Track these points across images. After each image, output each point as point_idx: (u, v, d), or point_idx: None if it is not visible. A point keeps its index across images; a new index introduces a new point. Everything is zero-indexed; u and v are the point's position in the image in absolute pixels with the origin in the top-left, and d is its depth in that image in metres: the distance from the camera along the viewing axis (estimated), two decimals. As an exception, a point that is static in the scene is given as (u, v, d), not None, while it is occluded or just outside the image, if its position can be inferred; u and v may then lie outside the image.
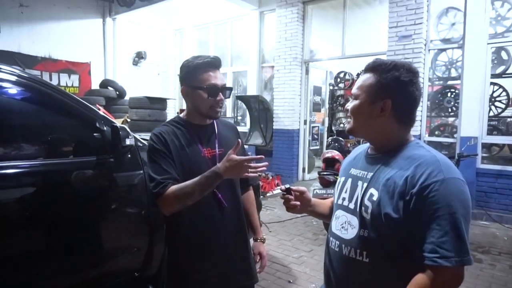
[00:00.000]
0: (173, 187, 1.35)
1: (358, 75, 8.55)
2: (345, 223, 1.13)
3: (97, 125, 1.94)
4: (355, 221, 1.09)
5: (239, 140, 1.36)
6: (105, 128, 1.95)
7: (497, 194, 5.01)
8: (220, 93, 1.46)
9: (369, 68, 1.12)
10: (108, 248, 2.03)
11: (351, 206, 1.13)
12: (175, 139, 1.45)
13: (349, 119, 1.17)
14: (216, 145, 1.52)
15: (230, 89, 1.52)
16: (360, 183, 1.12)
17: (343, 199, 1.17)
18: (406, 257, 1.00)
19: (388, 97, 1.07)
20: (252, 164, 1.30)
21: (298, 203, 1.26)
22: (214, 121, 1.58)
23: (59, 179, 1.84)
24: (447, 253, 0.91)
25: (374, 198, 1.04)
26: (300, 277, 3.20)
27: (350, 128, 1.16)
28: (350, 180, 1.18)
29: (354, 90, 1.15)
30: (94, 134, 1.96)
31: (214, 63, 1.47)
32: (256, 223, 1.71)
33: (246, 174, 1.30)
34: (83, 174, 1.91)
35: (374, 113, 1.09)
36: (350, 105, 1.15)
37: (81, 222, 1.89)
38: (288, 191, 1.27)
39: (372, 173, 1.10)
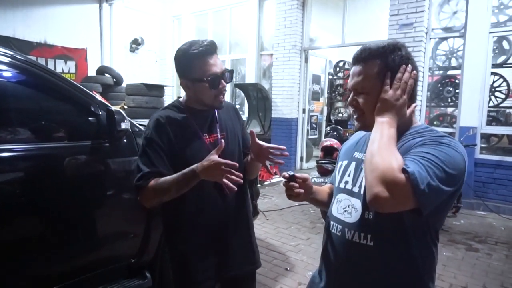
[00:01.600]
0: (154, 182, 1.33)
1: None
2: (348, 206, 1.09)
3: (92, 109, 1.90)
4: (358, 204, 1.06)
5: (222, 141, 1.30)
6: (100, 112, 1.91)
7: (495, 185, 5.02)
8: (222, 80, 1.41)
9: (366, 57, 1.04)
10: (103, 234, 2.01)
11: (355, 189, 1.09)
12: (175, 125, 1.41)
13: (356, 116, 1.08)
14: (218, 130, 1.49)
15: (231, 71, 1.46)
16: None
17: (346, 182, 1.13)
18: (413, 239, 0.99)
19: None
20: (228, 169, 1.22)
21: (302, 190, 1.20)
22: None
23: (53, 163, 1.81)
24: (410, 163, 0.89)
25: None
26: (297, 264, 3.20)
27: (363, 124, 1.07)
28: (353, 163, 1.14)
29: (357, 84, 1.05)
30: (89, 118, 1.92)
31: (210, 50, 1.39)
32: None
33: (223, 181, 1.24)
34: (77, 159, 1.87)
35: None
36: (360, 99, 1.05)
37: (76, 207, 1.87)
38: (292, 178, 1.20)
39: None
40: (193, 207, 1.42)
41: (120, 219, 2.08)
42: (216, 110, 1.52)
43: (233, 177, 1.23)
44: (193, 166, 1.27)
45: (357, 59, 1.06)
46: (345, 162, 1.19)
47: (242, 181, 1.26)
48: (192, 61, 1.38)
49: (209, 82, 1.37)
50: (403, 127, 1.04)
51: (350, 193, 1.11)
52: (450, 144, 0.94)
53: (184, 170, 1.29)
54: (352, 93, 1.08)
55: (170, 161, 1.38)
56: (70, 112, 1.96)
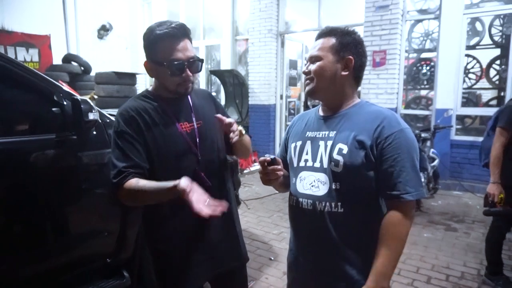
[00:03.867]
0: (133, 182, 1.22)
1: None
2: (314, 181, 1.19)
3: (55, 98, 1.72)
4: (324, 177, 1.17)
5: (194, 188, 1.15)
6: (65, 102, 1.73)
7: (469, 165, 5.13)
8: (187, 69, 1.27)
9: (325, 33, 1.22)
10: (74, 233, 1.86)
11: (317, 165, 1.20)
12: (146, 116, 1.30)
13: (308, 81, 1.23)
14: (193, 118, 1.38)
15: (201, 61, 1.33)
16: (322, 142, 1.20)
17: (306, 160, 1.23)
18: (376, 201, 1.16)
19: (350, 54, 1.19)
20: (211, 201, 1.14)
21: (282, 172, 1.22)
22: None
23: (13, 159, 1.63)
24: (410, 189, 1.09)
25: (344, 152, 1.14)
26: (281, 253, 3.14)
27: (312, 89, 1.22)
28: (309, 142, 1.25)
29: (314, 52, 1.21)
30: (53, 109, 1.74)
31: (177, 33, 1.26)
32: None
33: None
34: (41, 153, 1.70)
35: (339, 71, 1.19)
36: (312, 66, 1.20)
37: (42, 205, 1.71)
38: (274, 161, 1.19)
39: (335, 131, 1.19)
40: (172, 201, 1.31)
41: (92, 216, 1.93)
42: (190, 98, 1.41)
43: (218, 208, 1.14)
44: (178, 188, 1.12)
45: (318, 35, 1.24)
46: (299, 143, 1.28)
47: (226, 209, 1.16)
48: (156, 42, 1.26)
49: (169, 68, 1.26)
50: (350, 103, 1.23)
51: (313, 169, 1.21)
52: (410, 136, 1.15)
53: (168, 185, 1.15)
54: (308, 62, 1.23)
55: (145, 152, 1.28)
56: (30, 102, 1.77)
